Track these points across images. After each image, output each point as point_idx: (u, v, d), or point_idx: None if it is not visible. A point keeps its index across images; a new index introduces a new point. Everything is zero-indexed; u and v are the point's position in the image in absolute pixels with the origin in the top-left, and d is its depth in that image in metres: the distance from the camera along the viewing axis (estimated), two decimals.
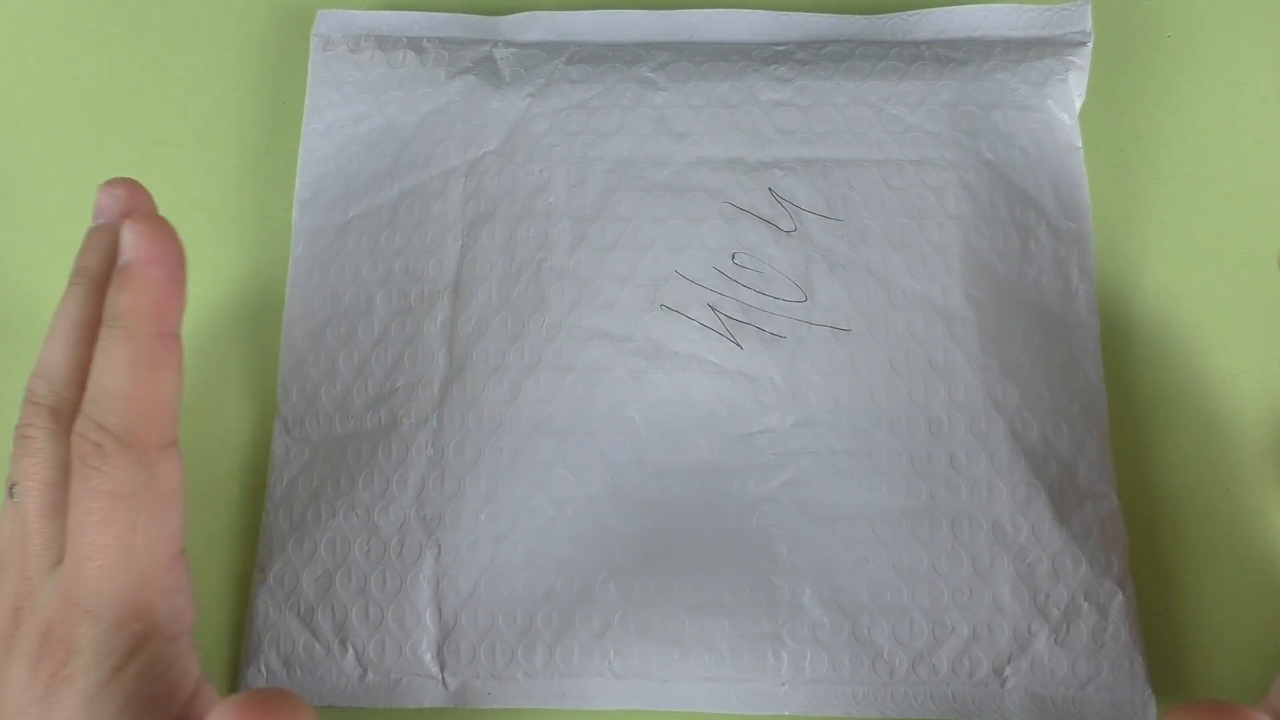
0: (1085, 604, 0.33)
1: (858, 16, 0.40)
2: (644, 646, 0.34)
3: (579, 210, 0.37)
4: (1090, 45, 0.38)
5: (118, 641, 0.28)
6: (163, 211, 0.40)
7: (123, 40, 0.44)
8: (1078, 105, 0.38)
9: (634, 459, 0.35)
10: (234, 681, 0.36)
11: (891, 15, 0.39)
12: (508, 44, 0.40)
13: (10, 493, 0.30)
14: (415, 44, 0.40)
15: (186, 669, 0.30)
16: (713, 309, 0.36)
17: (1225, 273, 0.39)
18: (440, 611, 0.34)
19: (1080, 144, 0.37)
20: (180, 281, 0.30)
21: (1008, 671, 0.34)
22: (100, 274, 0.31)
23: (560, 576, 0.34)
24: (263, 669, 0.35)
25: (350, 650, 0.35)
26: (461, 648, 0.34)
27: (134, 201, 0.32)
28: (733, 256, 0.36)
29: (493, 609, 0.34)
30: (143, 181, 0.41)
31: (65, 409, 0.30)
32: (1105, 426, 0.36)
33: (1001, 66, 0.38)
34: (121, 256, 0.30)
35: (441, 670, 0.34)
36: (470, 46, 0.40)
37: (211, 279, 0.40)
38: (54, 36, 0.44)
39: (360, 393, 0.37)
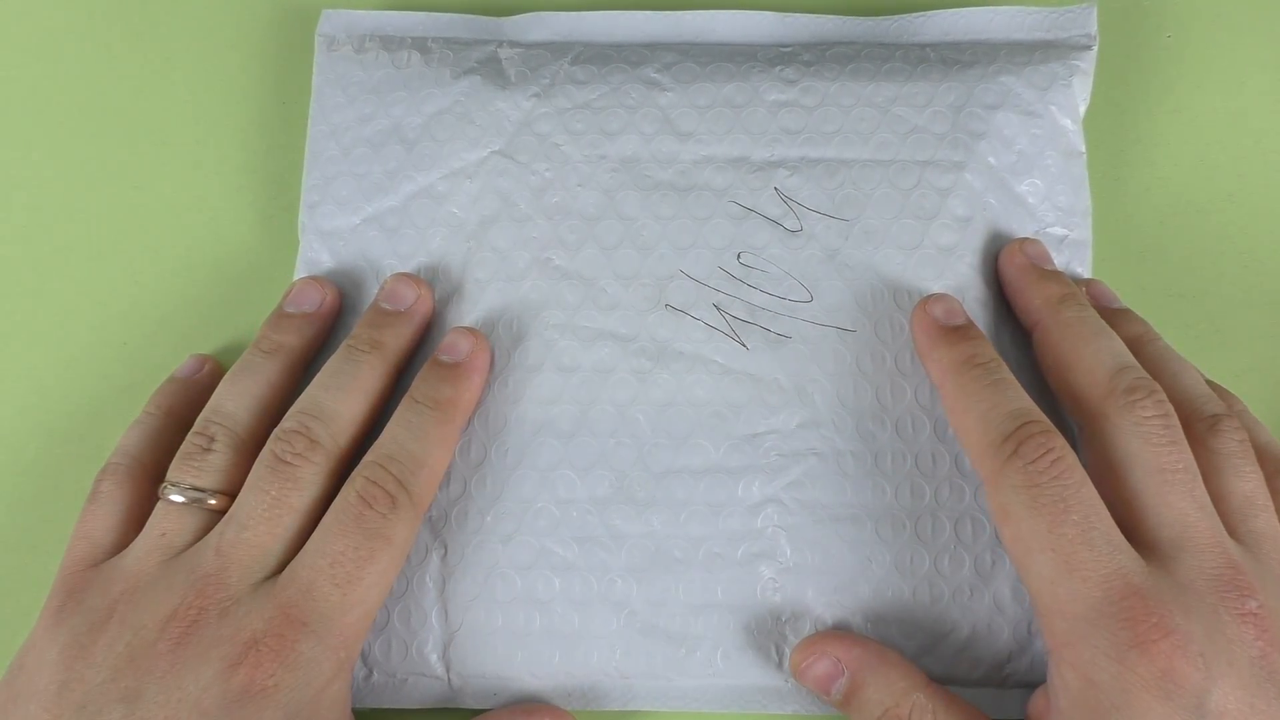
0: None
1: (863, 18, 0.40)
2: (649, 646, 0.34)
3: (584, 210, 0.37)
4: (1095, 49, 0.38)
5: (326, 666, 0.30)
6: (163, 211, 0.41)
7: (123, 40, 0.43)
8: (1081, 110, 0.38)
9: (638, 460, 0.35)
10: None
11: (897, 17, 0.40)
12: (513, 44, 0.40)
13: (176, 495, 0.33)
14: (420, 44, 0.40)
15: (349, 701, 0.32)
16: (718, 309, 0.36)
17: (1225, 273, 0.39)
18: (446, 612, 0.34)
19: (1083, 149, 0.38)
20: (483, 390, 0.36)
21: (1007, 670, 0.34)
22: (397, 354, 0.36)
23: (565, 577, 0.34)
24: None
25: None
26: (467, 648, 0.34)
27: (430, 304, 0.37)
28: (738, 256, 0.36)
29: (498, 609, 0.34)
30: (143, 181, 0.41)
31: (336, 454, 0.33)
32: None
33: (1007, 69, 0.38)
34: (450, 355, 0.35)
35: (447, 670, 0.34)
36: (475, 47, 0.40)
37: (212, 279, 0.40)
38: (54, 36, 0.44)
39: None
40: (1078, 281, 0.37)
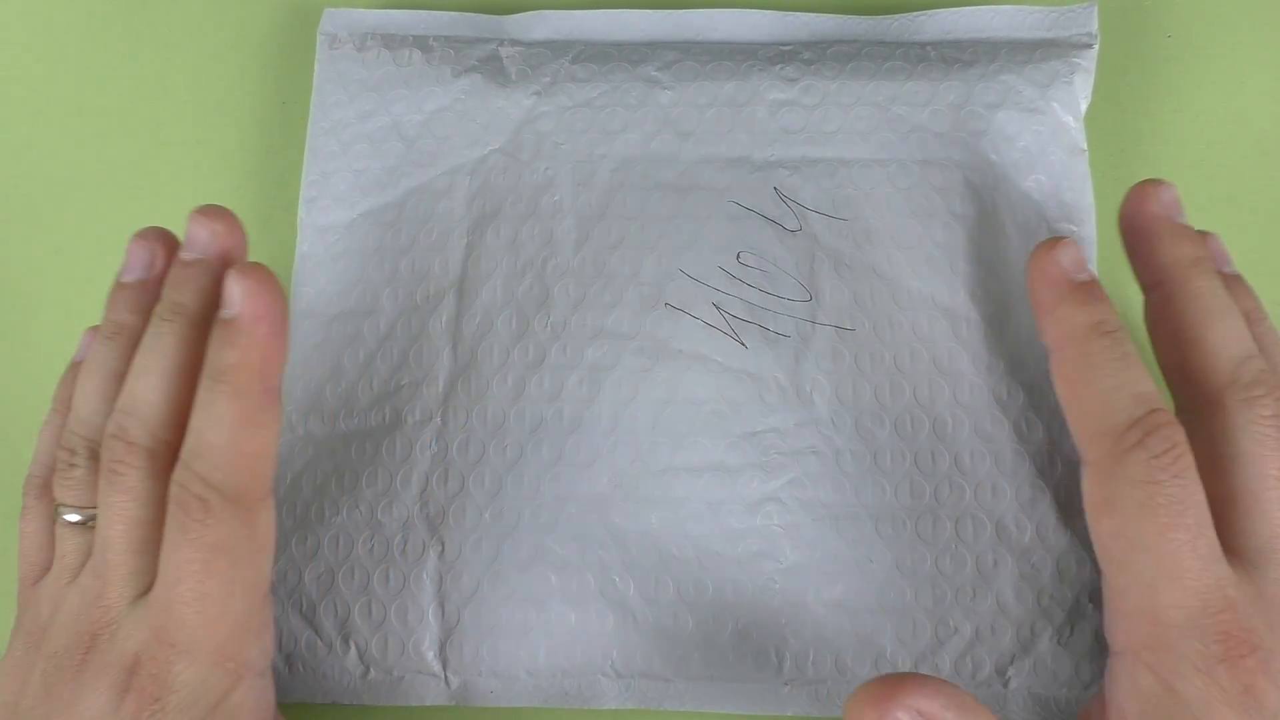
0: (1089, 605, 0.33)
1: (864, 17, 0.40)
2: (647, 645, 0.34)
3: (584, 209, 0.37)
4: (1096, 48, 0.38)
5: (213, 681, 0.29)
6: (163, 211, 0.41)
7: (123, 40, 0.43)
8: (1083, 108, 0.38)
9: (637, 458, 0.35)
10: None
11: (897, 16, 0.40)
12: (514, 43, 0.40)
13: (67, 514, 0.31)
14: (421, 42, 0.40)
15: (270, 699, 0.31)
16: (717, 308, 0.36)
17: None
18: (443, 609, 0.34)
19: (1085, 147, 0.37)
20: (284, 336, 0.30)
21: (1010, 672, 0.34)
22: (197, 314, 0.31)
23: (563, 575, 0.34)
24: None
25: (353, 648, 0.34)
26: (464, 646, 0.34)
27: (230, 239, 0.32)
28: (738, 255, 0.36)
29: (495, 607, 0.34)
30: (143, 181, 0.41)
31: (160, 450, 0.30)
32: None
33: (1007, 68, 0.38)
34: (227, 308, 0.30)
35: (444, 668, 0.34)
36: (476, 45, 0.40)
37: None
38: (55, 35, 0.44)
39: (365, 390, 0.37)
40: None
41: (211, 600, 0.28)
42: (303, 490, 0.36)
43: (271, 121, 0.42)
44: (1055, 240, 0.32)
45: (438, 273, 0.37)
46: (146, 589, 0.29)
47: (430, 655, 0.34)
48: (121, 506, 0.29)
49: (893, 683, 0.27)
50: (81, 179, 0.42)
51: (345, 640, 0.35)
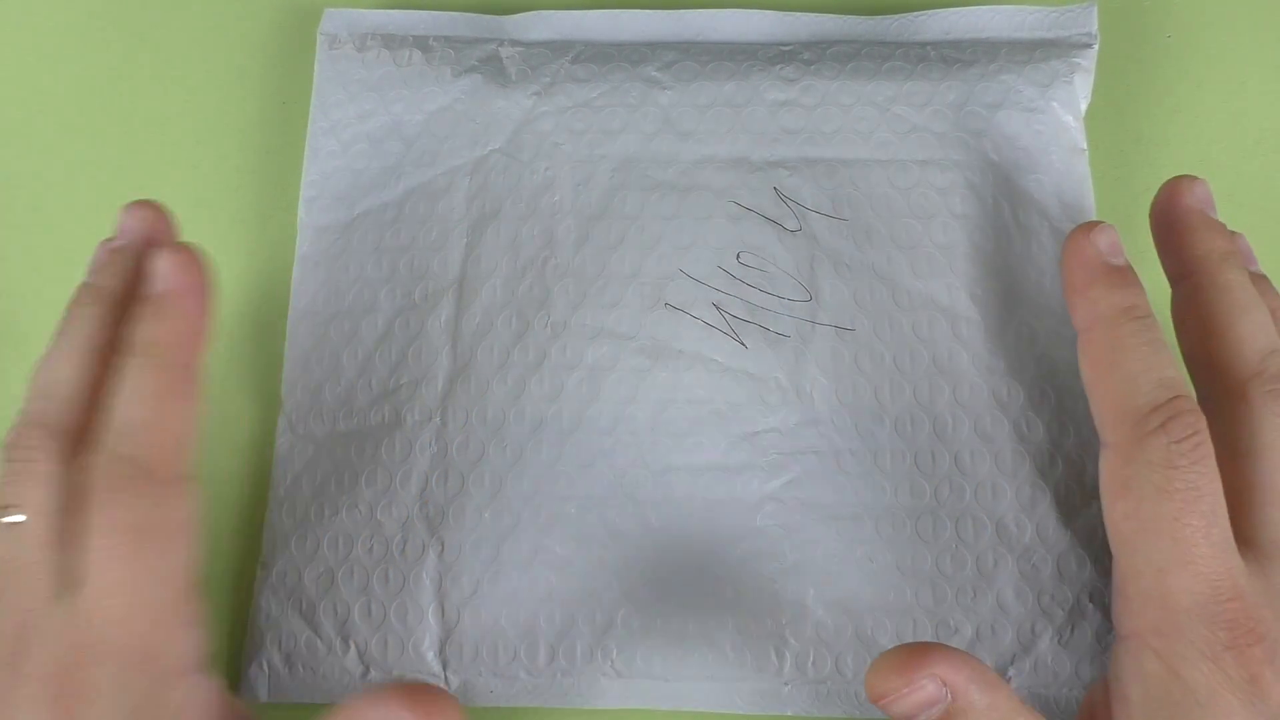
0: (1090, 605, 0.33)
1: (864, 17, 0.40)
2: (647, 645, 0.34)
3: (584, 209, 0.37)
4: (1095, 47, 0.38)
5: (137, 682, 0.27)
6: None
7: (123, 40, 0.43)
8: (1083, 107, 0.38)
9: (637, 458, 0.35)
10: (235, 678, 0.35)
11: (897, 16, 0.40)
12: (514, 43, 0.40)
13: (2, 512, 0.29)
14: (421, 43, 0.40)
15: (207, 701, 0.30)
16: (717, 308, 0.36)
17: None
18: (443, 609, 0.34)
19: (1085, 146, 0.37)
20: (210, 314, 0.30)
21: (1011, 672, 0.33)
22: (117, 296, 0.30)
23: (563, 575, 0.34)
24: (265, 666, 0.35)
25: (352, 647, 0.34)
26: (464, 646, 0.34)
27: (159, 226, 0.32)
28: (738, 256, 0.36)
29: (495, 607, 0.34)
30: (143, 181, 0.41)
31: (73, 432, 0.29)
32: None
33: (1007, 68, 0.38)
34: (151, 284, 0.29)
35: (444, 668, 0.34)
36: (476, 45, 0.40)
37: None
38: (55, 36, 0.44)
39: (364, 390, 0.37)
40: None
41: (131, 588, 0.27)
42: (302, 490, 0.36)
43: (271, 121, 0.42)
44: (1093, 223, 0.32)
45: (437, 272, 0.37)
46: (71, 584, 0.28)
47: (430, 655, 0.34)
48: (35, 497, 0.28)
49: (919, 651, 0.27)
50: (82, 179, 0.42)
51: (345, 640, 0.34)
